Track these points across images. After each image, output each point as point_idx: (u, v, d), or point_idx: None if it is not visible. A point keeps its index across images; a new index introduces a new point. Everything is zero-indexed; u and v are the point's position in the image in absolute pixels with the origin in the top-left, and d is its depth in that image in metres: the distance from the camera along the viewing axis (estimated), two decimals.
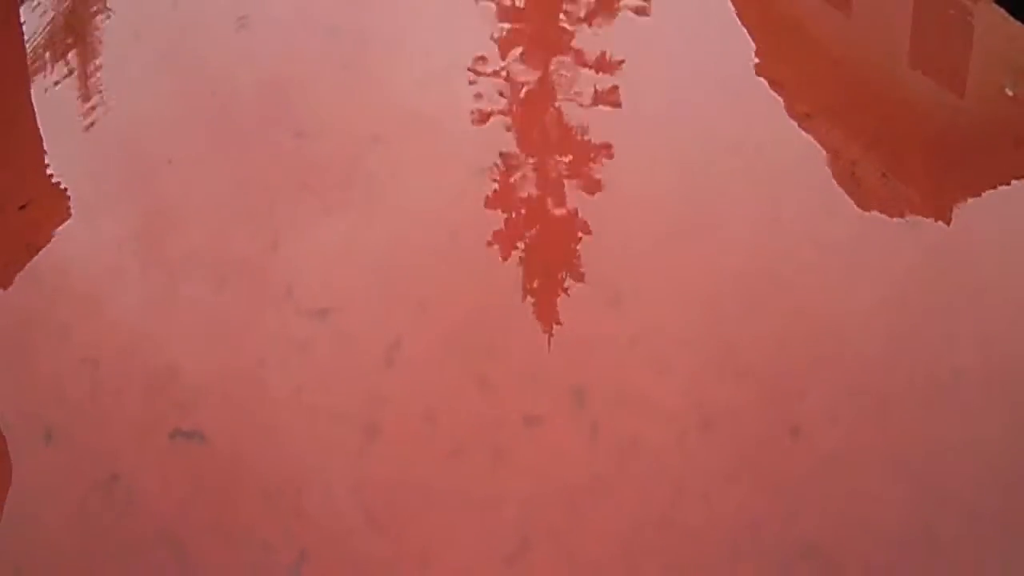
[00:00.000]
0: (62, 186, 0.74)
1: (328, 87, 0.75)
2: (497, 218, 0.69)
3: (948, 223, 0.74)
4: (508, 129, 0.73)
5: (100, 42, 0.82)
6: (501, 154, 0.71)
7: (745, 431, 0.63)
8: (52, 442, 0.63)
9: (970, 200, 0.75)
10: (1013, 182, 0.76)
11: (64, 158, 0.75)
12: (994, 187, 0.76)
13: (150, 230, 0.70)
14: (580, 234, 0.68)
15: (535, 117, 0.75)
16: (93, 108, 0.77)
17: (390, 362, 0.63)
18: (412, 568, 0.57)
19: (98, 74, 0.79)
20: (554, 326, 0.64)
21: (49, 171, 0.75)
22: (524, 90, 0.76)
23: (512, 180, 0.70)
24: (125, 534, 0.60)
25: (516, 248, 0.67)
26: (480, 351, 0.63)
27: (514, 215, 0.69)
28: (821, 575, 0.60)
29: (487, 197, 0.70)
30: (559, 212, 0.69)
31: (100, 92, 0.78)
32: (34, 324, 0.68)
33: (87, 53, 0.82)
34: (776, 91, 0.78)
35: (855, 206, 0.72)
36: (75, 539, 0.60)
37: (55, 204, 0.73)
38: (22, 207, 0.74)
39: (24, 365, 0.66)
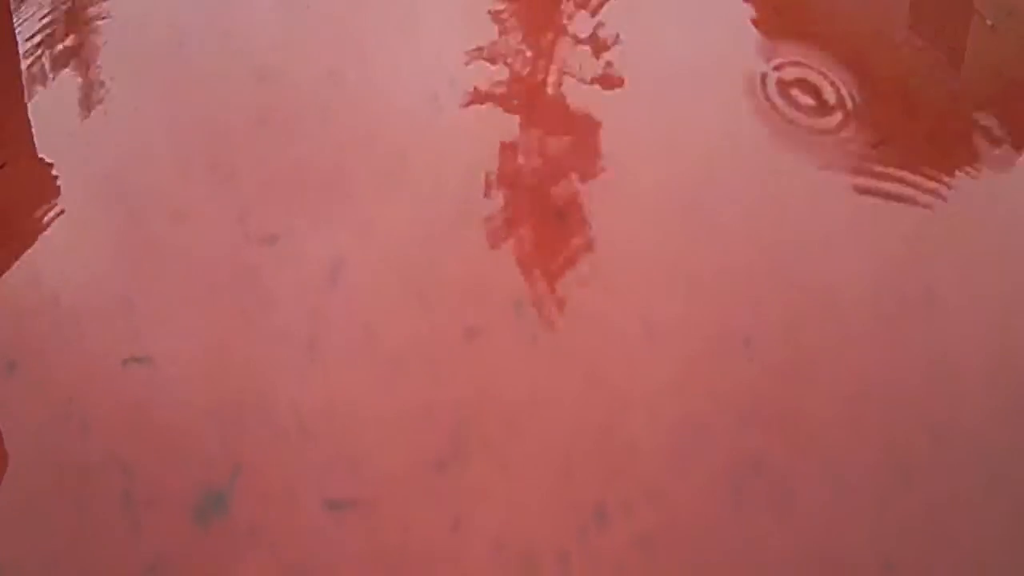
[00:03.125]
0: (41, 147, 0.76)
1: (290, 32, 0.76)
2: (449, 142, 0.69)
3: (920, 146, 0.72)
4: (468, 56, 0.73)
5: (90, 19, 0.84)
6: (452, 81, 0.71)
7: (692, 343, 0.62)
8: (15, 373, 0.65)
9: (944, 123, 0.73)
10: (987, 105, 0.74)
11: (40, 116, 0.77)
12: (968, 109, 0.74)
13: (114, 171, 0.71)
14: (530, 157, 0.68)
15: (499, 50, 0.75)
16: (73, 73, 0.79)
17: (333, 282, 0.63)
18: (343, 473, 0.57)
19: (79, 43, 0.81)
20: (499, 242, 0.64)
21: (31, 131, 0.77)
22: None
23: (467, 105, 0.70)
24: (78, 457, 0.61)
25: (464, 168, 0.67)
26: (422, 268, 0.63)
27: (466, 140, 0.69)
28: (770, 489, 0.59)
29: (442, 122, 0.70)
30: (511, 134, 0.69)
31: (78, 57, 0.80)
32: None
33: (79, 31, 0.84)
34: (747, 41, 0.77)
35: (820, 131, 0.71)
36: (32, 463, 0.62)
37: (34, 165, 0.75)
38: (0, 166, 0.76)
39: None
